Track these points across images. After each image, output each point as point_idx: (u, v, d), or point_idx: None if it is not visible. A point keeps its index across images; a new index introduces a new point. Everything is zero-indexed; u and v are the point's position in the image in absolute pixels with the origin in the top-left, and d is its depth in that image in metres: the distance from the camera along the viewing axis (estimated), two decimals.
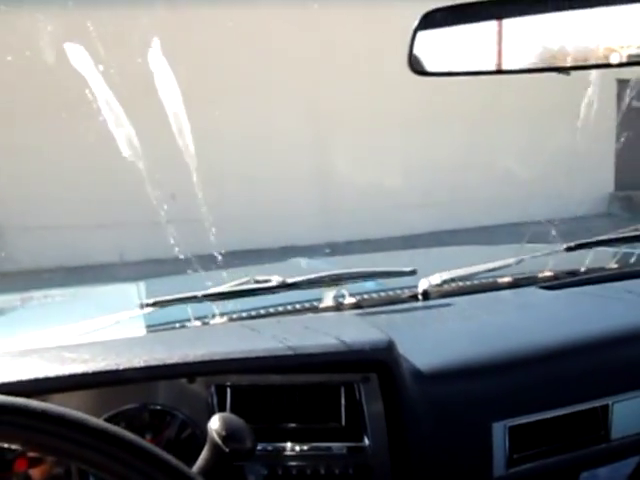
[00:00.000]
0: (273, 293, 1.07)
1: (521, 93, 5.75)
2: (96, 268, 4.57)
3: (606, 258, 1.31)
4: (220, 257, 1.53)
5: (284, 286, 1.06)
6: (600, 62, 0.81)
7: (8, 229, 5.17)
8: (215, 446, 0.58)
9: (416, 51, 0.72)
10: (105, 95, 1.02)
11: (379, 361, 0.81)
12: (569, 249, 1.26)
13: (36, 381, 0.70)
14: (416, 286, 1.17)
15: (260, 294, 1.07)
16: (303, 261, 1.64)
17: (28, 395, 0.54)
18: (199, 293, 1.03)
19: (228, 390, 0.80)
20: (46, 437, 0.47)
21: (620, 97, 6.13)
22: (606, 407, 0.89)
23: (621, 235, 1.30)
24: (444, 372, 0.86)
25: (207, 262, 1.47)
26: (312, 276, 1.08)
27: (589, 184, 6.09)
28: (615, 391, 0.90)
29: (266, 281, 1.08)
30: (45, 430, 0.47)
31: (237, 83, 5.40)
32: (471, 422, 0.84)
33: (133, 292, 1.22)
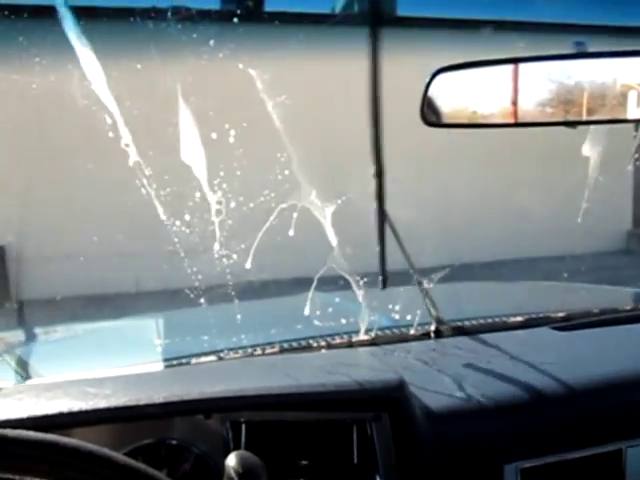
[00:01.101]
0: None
1: (538, 131, 5.77)
2: (113, 297, 4.63)
3: (620, 299, 1.31)
4: (234, 288, 1.55)
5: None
6: (618, 117, 0.83)
7: (28, 259, 5.26)
8: None
9: (428, 104, 0.76)
10: (122, 130, 1.06)
11: (391, 400, 0.82)
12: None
13: (60, 415, 0.72)
14: (429, 323, 1.18)
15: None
16: (317, 294, 1.65)
17: (52, 429, 0.57)
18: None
19: (243, 426, 0.81)
20: (75, 473, 0.49)
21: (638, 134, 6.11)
22: (620, 451, 0.88)
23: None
24: (455, 412, 0.86)
25: (222, 293, 1.49)
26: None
27: (607, 221, 6.03)
28: (629, 435, 0.89)
29: None
30: (74, 466, 0.49)
31: (260, 123, 5.52)
32: (482, 463, 0.84)
33: (152, 325, 1.25)
